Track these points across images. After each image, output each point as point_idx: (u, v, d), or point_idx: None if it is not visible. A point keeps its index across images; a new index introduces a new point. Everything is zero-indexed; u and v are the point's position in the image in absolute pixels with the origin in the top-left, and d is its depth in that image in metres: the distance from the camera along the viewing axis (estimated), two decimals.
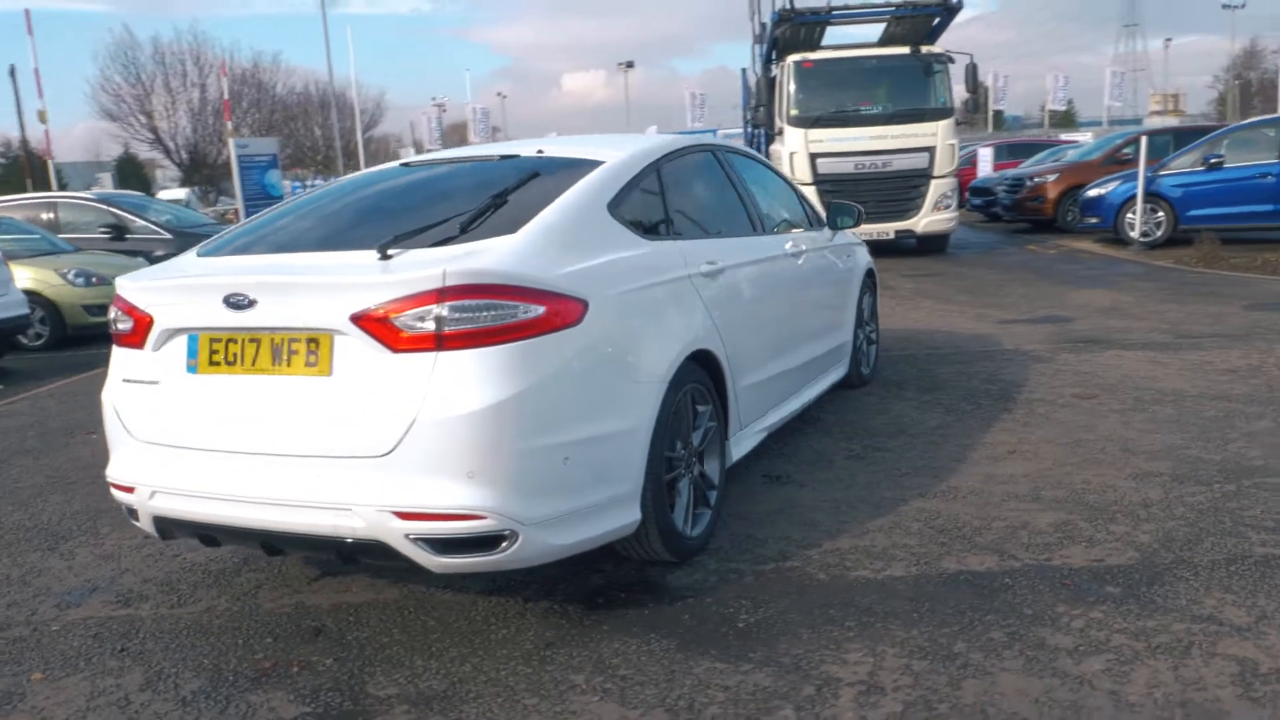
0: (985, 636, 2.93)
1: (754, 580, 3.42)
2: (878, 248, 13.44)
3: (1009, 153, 24.16)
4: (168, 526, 3.22)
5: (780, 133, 14.65)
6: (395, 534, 2.79)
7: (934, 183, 14.00)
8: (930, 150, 13.93)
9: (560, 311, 2.90)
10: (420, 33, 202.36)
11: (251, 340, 3.00)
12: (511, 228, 3.08)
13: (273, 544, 3.08)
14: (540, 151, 3.83)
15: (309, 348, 2.92)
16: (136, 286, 3.25)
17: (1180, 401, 5.45)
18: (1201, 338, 7.23)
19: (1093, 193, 14.63)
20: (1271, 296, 8.93)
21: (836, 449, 4.92)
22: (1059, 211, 16.83)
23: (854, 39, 16.59)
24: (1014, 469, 4.45)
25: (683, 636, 3.04)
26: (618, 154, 3.73)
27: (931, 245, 14.76)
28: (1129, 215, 13.78)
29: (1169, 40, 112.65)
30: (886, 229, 14.01)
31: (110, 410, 3.30)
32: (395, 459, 2.77)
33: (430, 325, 2.77)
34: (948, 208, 14.20)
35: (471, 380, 2.76)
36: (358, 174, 4.19)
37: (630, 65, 61.67)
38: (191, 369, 3.10)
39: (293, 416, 2.92)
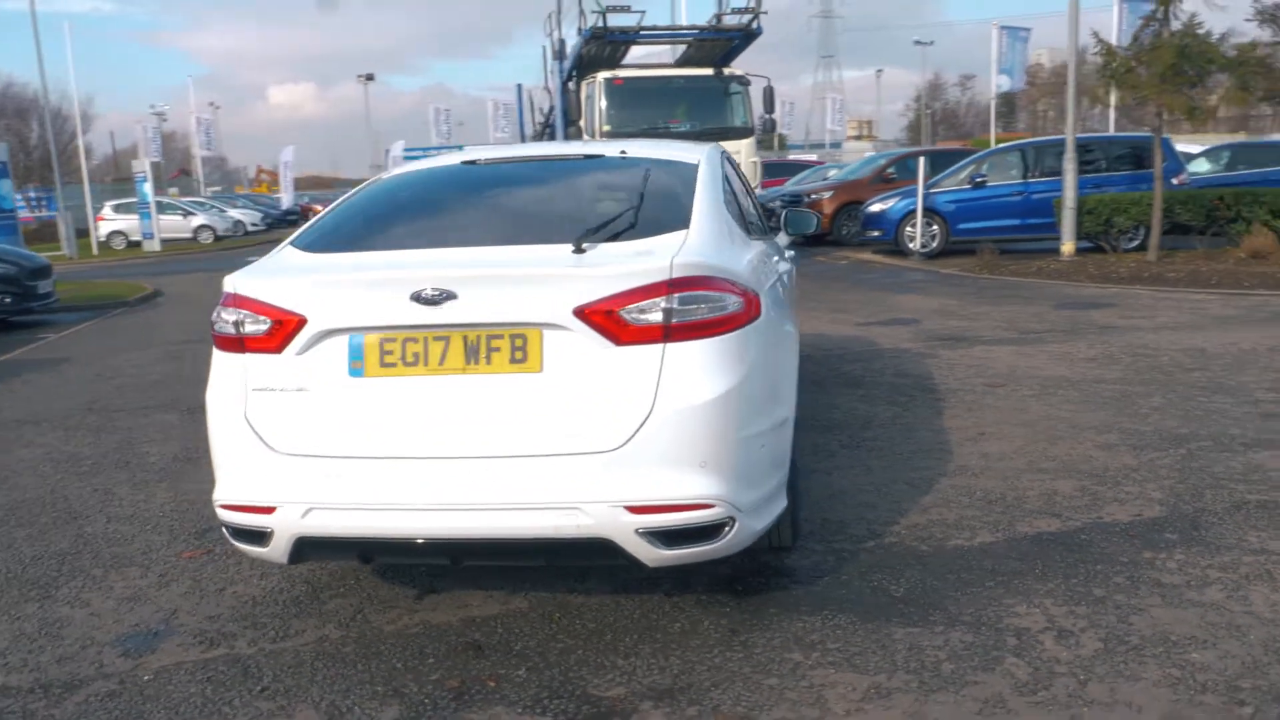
0: (1111, 582, 3.32)
1: (868, 557, 3.62)
2: None
3: (767, 171, 25.95)
4: (312, 548, 2.95)
5: None
6: (625, 529, 2.74)
7: None
8: None
9: (750, 304, 2.98)
10: (106, 36, 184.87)
11: (438, 339, 2.82)
12: (675, 224, 3.10)
13: (465, 553, 2.91)
14: (623, 152, 3.84)
15: (514, 344, 2.80)
16: (281, 284, 2.96)
17: (1075, 386, 6.25)
18: (1042, 333, 8.26)
19: (875, 208, 16.08)
20: (1068, 298, 10.30)
21: (826, 441, 5.23)
22: (835, 225, 18.33)
23: (651, 58, 17.23)
24: (997, 448, 4.94)
25: (854, 610, 3.19)
26: (697, 155, 3.81)
27: None
28: (908, 228, 15.29)
29: (880, 71, 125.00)
30: None
31: (233, 424, 2.97)
32: (626, 453, 2.73)
33: (657, 317, 2.76)
34: None
35: (700, 372, 2.79)
36: (424, 169, 3.98)
37: (370, 78, 59.84)
38: (356, 372, 2.86)
39: (497, 417, 2.79)
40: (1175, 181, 13.68)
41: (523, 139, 23.70)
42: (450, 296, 2.77)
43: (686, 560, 2.90)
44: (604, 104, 14.58)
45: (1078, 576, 3.37)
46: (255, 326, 2.94)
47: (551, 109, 19.01)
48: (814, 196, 18.66)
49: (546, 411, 2.78)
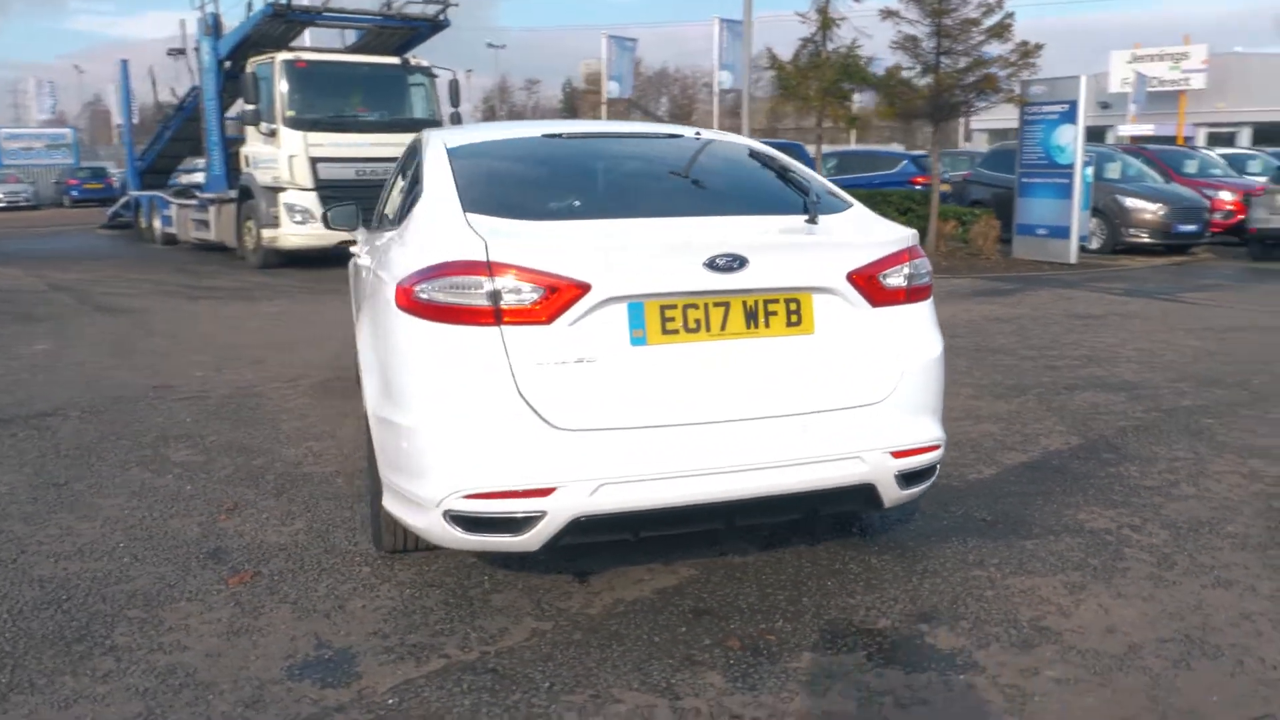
0: (1113, 493, 4.16)
1: (931, 494, 4.13)
2: None
3: None
4: (581, 529, 2.82)
5: (273, 134, 13.80)
6: (887, 473, 3.01)
7: None
8: None
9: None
10: None
11: (718, 304, 2.86)
12: (840, 202, 3.38)
13: (739, 514, 2.96)
14: (698, 134, 3.97)
15: (789, 308, 2.93)
16: (562, 251, 2.79)
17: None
18: None
19: None
20: None
21: None
22: None
23: (318, 42, 16.22)
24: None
25: (967, 537, 3.72)
26: (750, 139, 4.10)
27: None
28: None
29: (470, 71, 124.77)
30: None
31: (500, 403, 2.75)
32: (887, 404, 3.01)
33: (901, 281, 3.07)
34: None
35: (929, 329, 3.15)
36: (512, 139, 3.79)
37: None
38: (638, 340, 2.80)
39: (777, 377, 2.91)
40: None
41: (128, 122, 20.86)
42: (743, 263, 2.83)
43: (910, 500, 3.22)
44: (284, 87, 13.52)
45: (1087, 491, 4.19)
46: (522, 296, 2.75)
47: (192, 90, 17.13)
48: None
49: (820, 369, 2.96)
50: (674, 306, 2.84)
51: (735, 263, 2.83)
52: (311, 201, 13.36)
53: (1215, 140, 34.94)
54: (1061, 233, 13.27)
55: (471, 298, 2.76)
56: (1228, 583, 3.27)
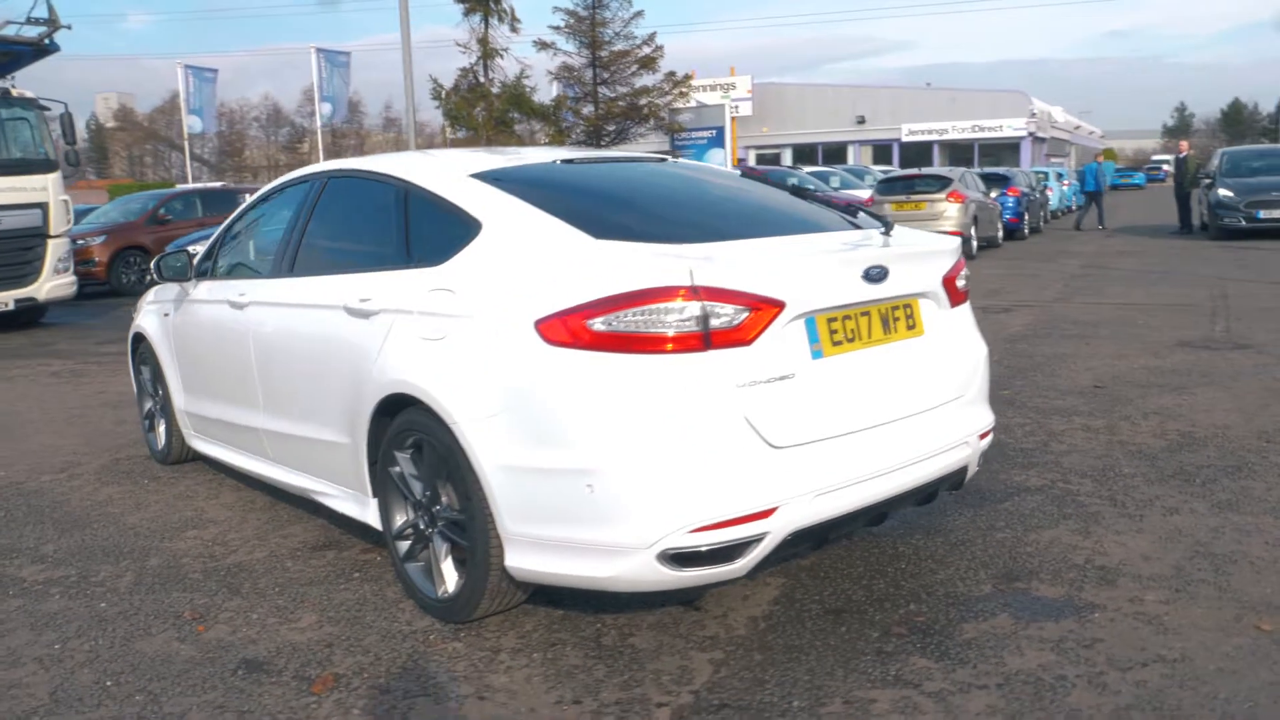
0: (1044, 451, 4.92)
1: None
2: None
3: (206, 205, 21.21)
4: (789, 545, 2.84)
5: None
6: (976, 454, 3.39)
7: (51, 243, 12.55)
8: (43, 206, 12.43)
9: None
10: None
11: (863, 314, 3.03)
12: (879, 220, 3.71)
13: (893, 507, 3.13)
14: (678, 159, 4.06)
15: (906, 313, 3.17)
16: (759, 272, 2.77)
17: None
18: None
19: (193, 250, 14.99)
20: None
21: None
22: (112, 274, 16.45)
23: None
24: None
25: (961, 510, 4.20)
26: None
27: (37, 315, 13.09)
28: None
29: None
30: (5, 298, 12.05)
31: (724, 429, 2.69)
32: (969, 394, 3.39)
33: (965, 284, 3.46)
34: (66, 270, 12.88)
35: (976, 326, 3.57)
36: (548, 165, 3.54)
37: None
38: (816, 354, 2.89)
39: (911, 376, 3.16)
40: None
41: None
42: (886, 274, 3.02)
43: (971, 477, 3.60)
44: None
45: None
46: (728, 319, 2.71)
47: None
48: (83, 242, 16.34)
49: (934, 366, 3.25)
50: (836, 319, 2.97)
51: (882, 274, 3.03)
52: None
53: (762, 160, 40.39)
54: None
55: (677, 324, 2.67)
56: (1173, 510, 4.07)
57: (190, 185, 24.27)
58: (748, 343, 2.76)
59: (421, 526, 3.32)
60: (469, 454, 2.96)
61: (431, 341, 3.15)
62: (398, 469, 3.37)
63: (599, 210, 3.21)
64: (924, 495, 3.30)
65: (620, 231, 2.98)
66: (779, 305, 2.81)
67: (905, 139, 52.10)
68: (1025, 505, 4.19)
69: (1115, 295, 11.16)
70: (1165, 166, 74.50)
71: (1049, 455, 4.91)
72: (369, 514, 3.61)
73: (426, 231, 3.46)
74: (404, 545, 3.44)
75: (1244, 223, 16.68)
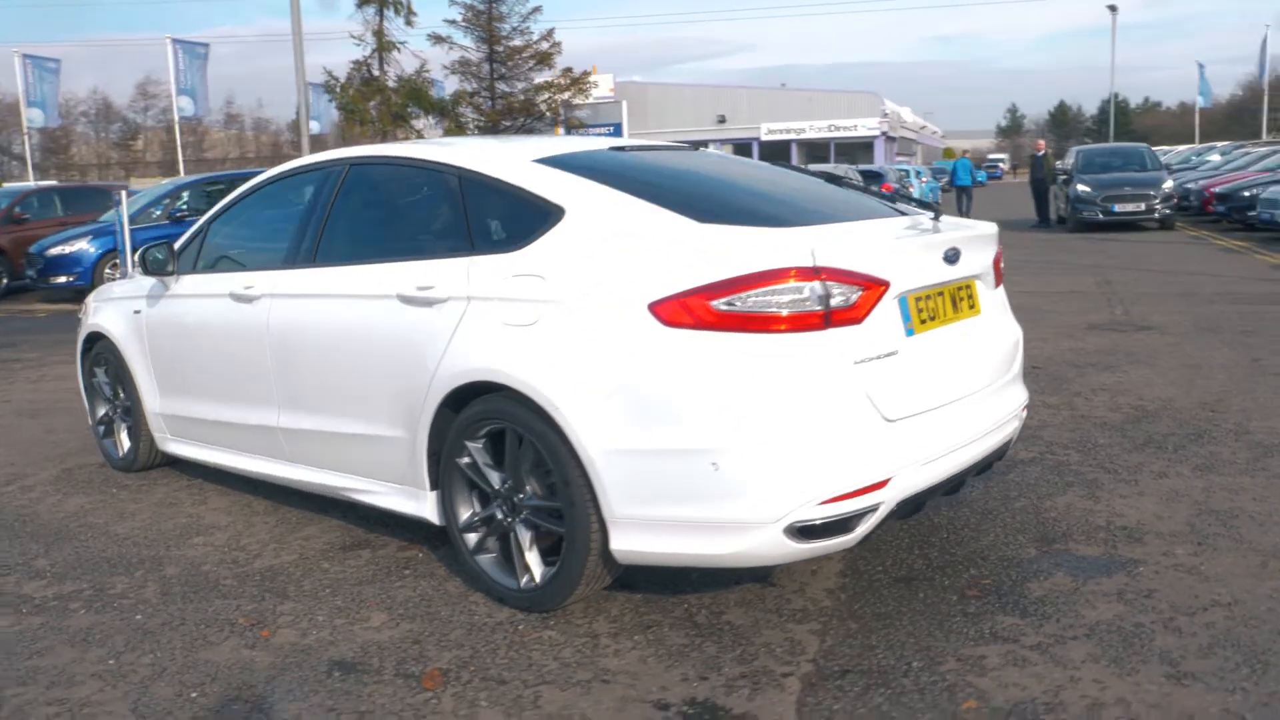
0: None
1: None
2: None
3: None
4: (897, 513, 2.98)
5: None
6: (1016, 430, 3.59)
7: None
8: None
9: None
10: None
11: (938, 294, 3.18)
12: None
13: (972, 474, 3.30)
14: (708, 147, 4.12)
15: (967, 293, 3.34)
16: (871, 253, 2.91)
17: None
18: None
19: (58, 250, 14.08)
20: None
21: None
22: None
23: None
24: None
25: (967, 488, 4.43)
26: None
27: None
28: (108, 269, 13.98)
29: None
30: None
31: (846, 404, 2.80)
32: (1014, 370, 3.59)
33: (1003, 265, 3.65)
34: None
35: (1009, 308, 3.77)
36: (634, 154, 3.63)
37: None
38: (910, 331, 3.03)
39: (974, 353, 3.33)
40: None
41: None
42: (958, 255, 3.18)
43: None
44: None
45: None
46: (845, 298, 2.81)
47: None
48: None
49: (990, 344, 3.44)
50: (922, 298, 3.11)
51: (957, 255, 3.19)
52: None
53: None
54: None
55: (800, 303, 2.75)
56: (1161, 474, 4.42)
57: (32, 184, 22.51)
58: (859, 321, 2.86)
59: (500, 517, 3.28)
60: (571, 438, 2.95)
61: (519, 328, 3.11)
62: (467, 460, 3.32)
63: (687, 195, 3.24)
64: (984, 465, 3.49)
65: (720, 216, 3.02)
66: (885, 285, 2.93)
67: (765, 138, 53.65)
68: (1028, 476, 4.46)
69: (1011, 284, 11.85)
70: (1001, 165, 79.75)
71: (1026, 429, 5.20)
72: (425, 508, 3.52)
73: (493, 217, 3.41)
74: (473, 537, 3.38)
75: (1101, 216, 17.98)
